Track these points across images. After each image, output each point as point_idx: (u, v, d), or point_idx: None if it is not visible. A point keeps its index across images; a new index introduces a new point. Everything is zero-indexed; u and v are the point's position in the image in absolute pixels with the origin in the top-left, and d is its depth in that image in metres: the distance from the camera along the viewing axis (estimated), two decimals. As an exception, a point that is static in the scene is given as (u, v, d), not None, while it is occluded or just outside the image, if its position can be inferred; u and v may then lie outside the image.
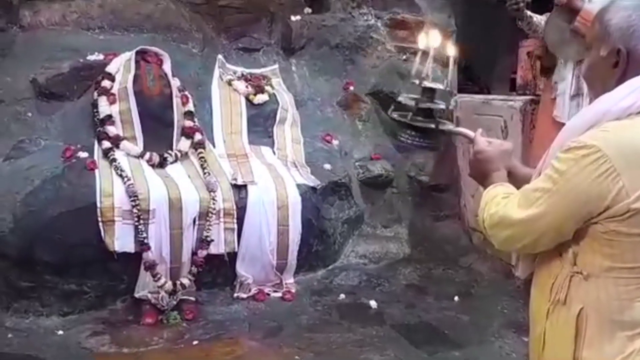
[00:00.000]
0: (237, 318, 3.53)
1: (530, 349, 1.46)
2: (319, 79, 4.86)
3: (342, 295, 3.84)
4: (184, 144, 3.92)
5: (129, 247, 3.42)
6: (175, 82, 4.03)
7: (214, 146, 4.11)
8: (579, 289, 1.29)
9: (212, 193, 3.65)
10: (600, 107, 1.30)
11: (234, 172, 3.87)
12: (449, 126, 1.82)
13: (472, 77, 6.05)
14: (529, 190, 1.33)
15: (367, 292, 3.90)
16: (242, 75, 4.53)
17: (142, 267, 3.45)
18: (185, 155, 3.90)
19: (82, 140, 3.76)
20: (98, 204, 3.40)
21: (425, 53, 1.78)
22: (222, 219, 3.67)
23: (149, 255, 3.43)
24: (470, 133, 1.65)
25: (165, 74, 4.00)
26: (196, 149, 3.94)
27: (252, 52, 4.77)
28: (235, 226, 3.70)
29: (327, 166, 4.30)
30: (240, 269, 3.76)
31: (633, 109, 1.26)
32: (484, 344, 3.27)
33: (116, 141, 3.74)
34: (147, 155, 3.73)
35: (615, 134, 1.24)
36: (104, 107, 3.81)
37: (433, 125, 1.71)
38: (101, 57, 4.08)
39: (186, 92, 4.11)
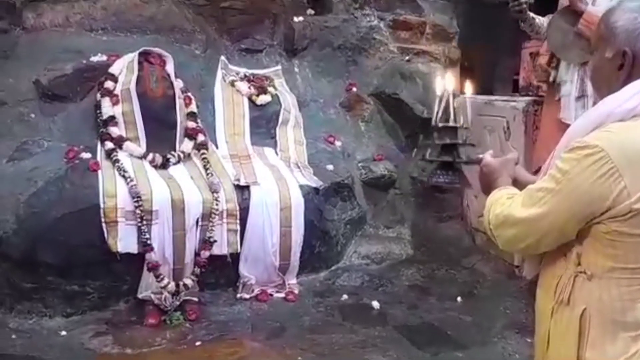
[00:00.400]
0: (239, 319, 3.53)
1: (536, 348, 1.47)
2: (321, 80, 4.87)
3: (345, 296, 3.84)
4: (187, 145, 3.93)
5: (132, 248, 3.42)
6: (178, 83, 4.04)
7: (216, 147, 4.12)
8: (582, 289, 1.30)
9: (215, 194, 3.65)
10: (604, 109, 1.31)
11: (236, 173, 3.87)
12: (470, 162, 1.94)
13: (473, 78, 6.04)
14: (533, 190, 1.33)
15: (370, 293, 3.89)
16: (245, 76, 4.54)
17: (145, 268, 3.45)
18: (188, 156, 3.90)
19: (85, 142, 3.77)
20: (101, 205, 3.40)
21: (442, 96, 1.94)
22: (225, 220, 3.67)
23: (152, 256, 3.43)
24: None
25: (168, 75, 4.00)
26: (199, 150, 3.94)
27: (254, 53, 4.77)
28: (238, 227, 3.70)
29: (330, 167, 4.31)
30: (243, 269, 3.76)
31: (637, 111, 1.27)
32: (486, 344, 3.26)
33: (119, 142, 3.74)
34: (150, 156, 3.74)
35: (619, 135, 1.24)
36: (107, 108, 3.82)
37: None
38: (104, 58, 4.10)
39: (189, 93, 4.13)
